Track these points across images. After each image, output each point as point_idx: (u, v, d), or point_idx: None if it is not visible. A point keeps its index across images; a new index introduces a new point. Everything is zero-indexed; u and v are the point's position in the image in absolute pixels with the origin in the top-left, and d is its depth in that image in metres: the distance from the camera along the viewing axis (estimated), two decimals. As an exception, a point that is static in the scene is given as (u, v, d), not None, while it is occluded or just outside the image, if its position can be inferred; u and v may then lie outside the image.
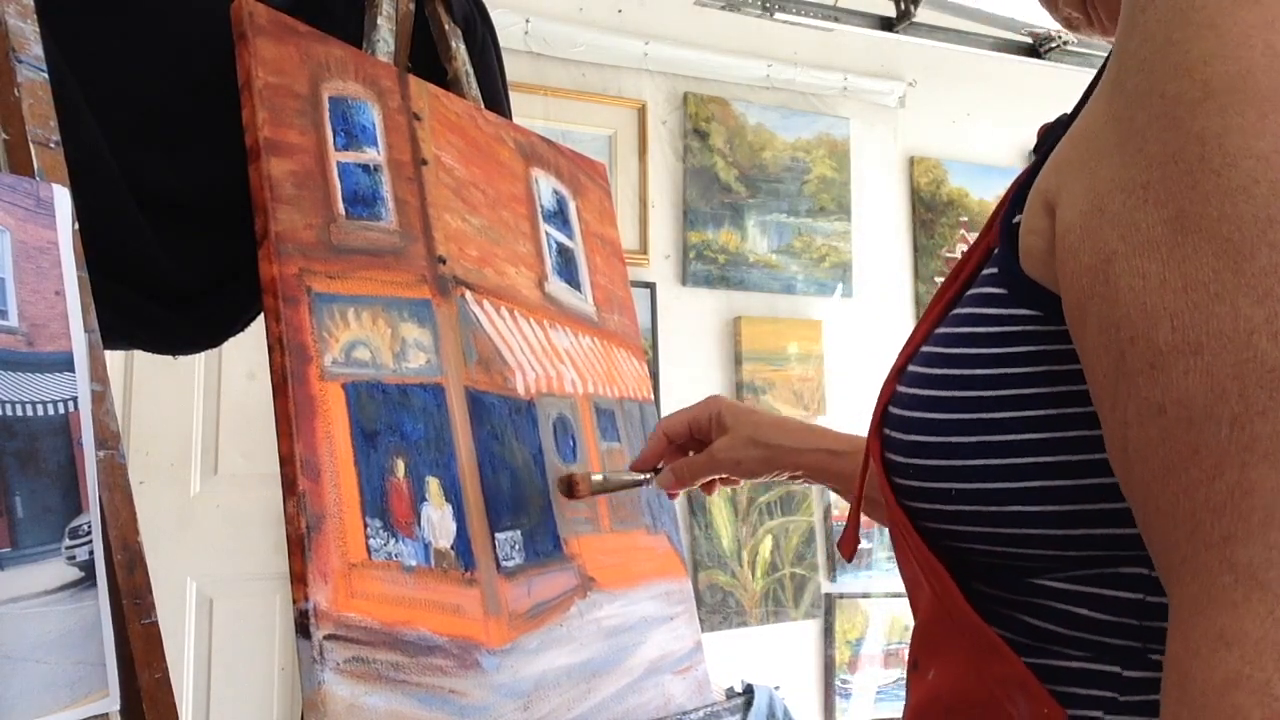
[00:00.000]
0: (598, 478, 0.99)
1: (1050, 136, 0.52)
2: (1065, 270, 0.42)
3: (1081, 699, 0.47)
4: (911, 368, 0.54)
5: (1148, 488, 0.37)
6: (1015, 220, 0.49)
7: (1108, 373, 0.39)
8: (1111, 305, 0.38)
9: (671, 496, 1.04)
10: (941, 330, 0.53)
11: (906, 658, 0.60)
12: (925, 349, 0.53)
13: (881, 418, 0.55)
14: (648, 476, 0.98)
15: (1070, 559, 0.47)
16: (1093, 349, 0.40)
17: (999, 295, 0.49)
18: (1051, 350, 0.45)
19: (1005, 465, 0.47)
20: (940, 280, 3.03)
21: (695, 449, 0.96)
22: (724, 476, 0.96)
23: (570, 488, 0.98)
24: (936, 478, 0.50)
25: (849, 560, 0.70)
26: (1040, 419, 0.46)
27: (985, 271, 0.51)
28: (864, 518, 0.71)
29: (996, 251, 0.50)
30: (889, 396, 0.55)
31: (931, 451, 0.50)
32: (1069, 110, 0.53)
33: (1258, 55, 0.34)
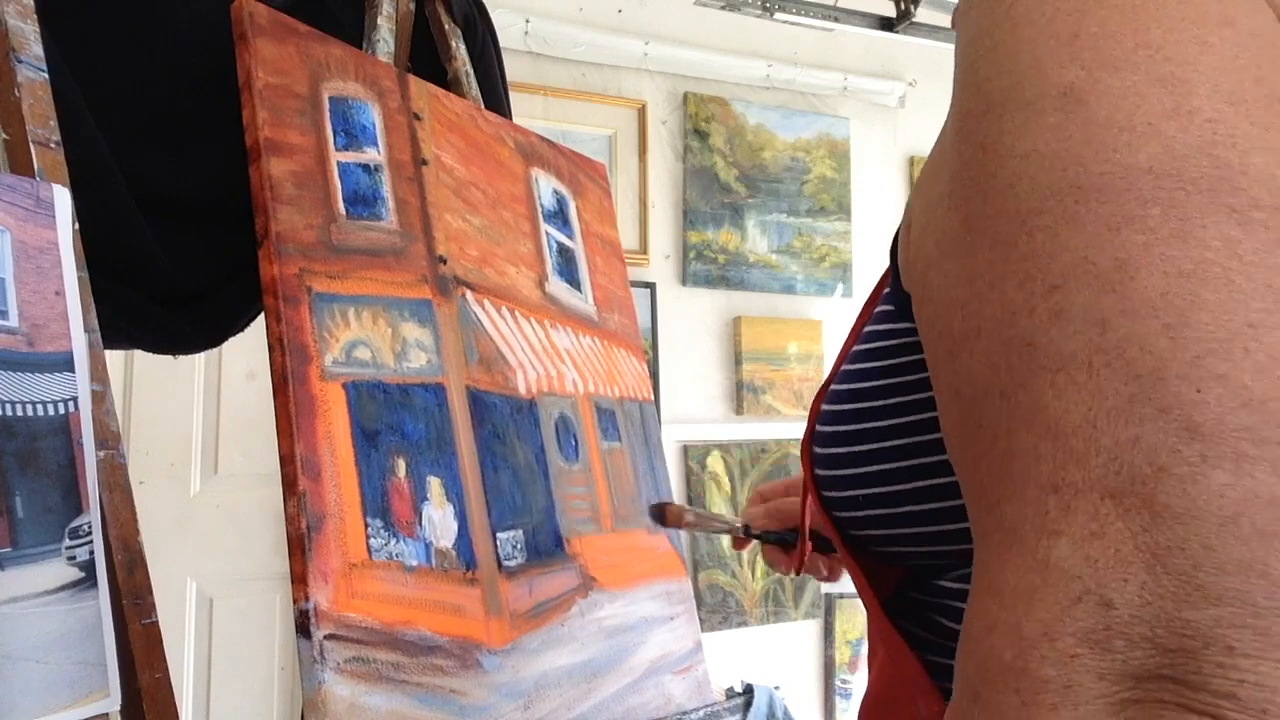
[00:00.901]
0: (689, 516, 1.02)
1: None
2: (908, 280, 0.46)
3: None
4: (834, 387, 0.57)
5: (958, 465, 0.39)
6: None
7: (932, 365, 0.42)
8: (929, 304, 0.42)
9: (738, 546, 0.96)
10: (855, 348, 0.56)
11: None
12: (845, 367, 0.57)
13: (810, 438, 0.59)
14: (738, 525, 0.93)
15: (964, 555, 0.49)
16: (925, 345, 0.43)
17: (889, 312, 0.52)
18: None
19: (896, 468, 0.50)
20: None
21: None
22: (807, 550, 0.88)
23: (661, 516, 1.02)
24: (848, 486, 0.53)
25: (797, 574, 0.74)
26: (921, 422, 0.49)
27: (885, 292, 0.55)
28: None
29: (890, 273, 0.54)
30: (815, 417, 0.59)
31: (842, 461, 0.54)
32: None
33: (1025, 67, 0.38)
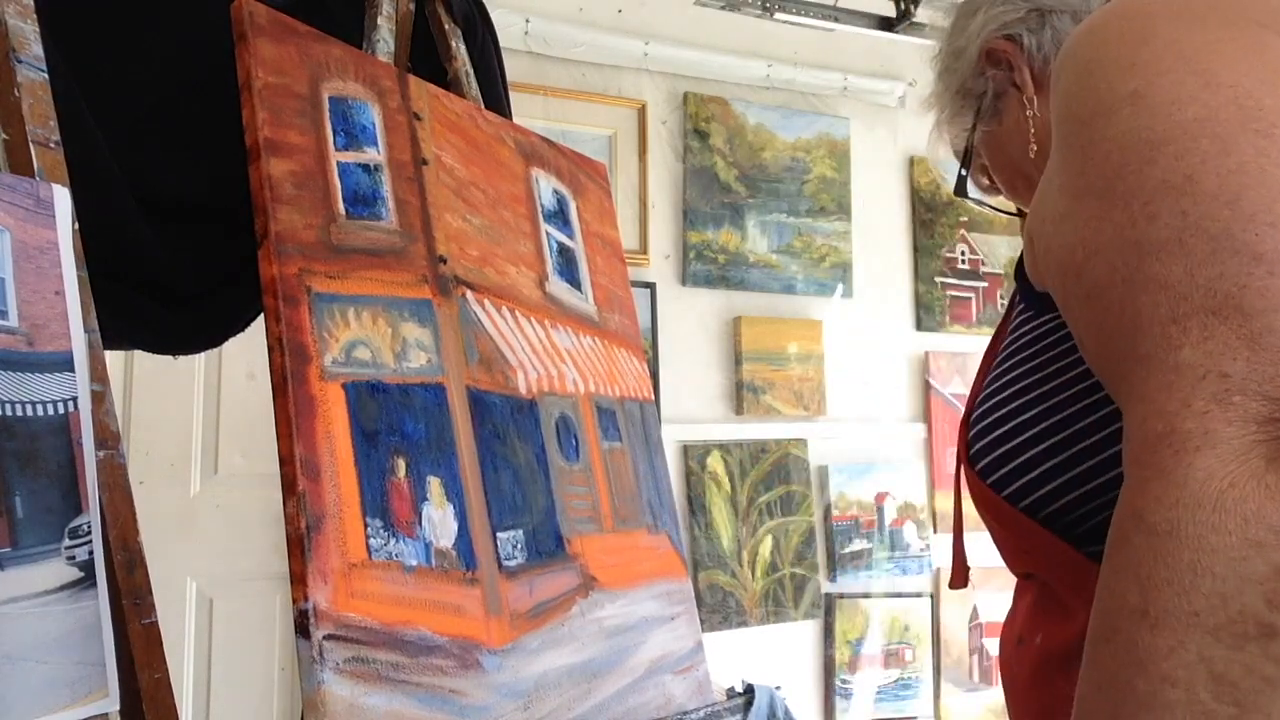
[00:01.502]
0: None
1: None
2: (1045, 272, 0.60)
3: None
4: (978, 410, 0.69)
5: (1098, 356, 0.53)
6: (1019, 263, 0.68)
7: (1065, 306, 0.57)
8: (1055, 263, 0.57)
9: None
10: (995, 372, 0.69)
11: (1001, 640, 0.74)
12: (986, 390, 0.69)
13: (967, 453, 0.69)
14: None
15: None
16: (1057, 297, 0.58)
17: (1029, 317, 0.67)
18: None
19: (1071, 433, 0.61)
20: (940, 280, 3.00)
21: None
22: None
23: None
24: (1029, 468, 0.63)
25: (961, 587, 0.82)
26: (1086, 388, 0.61)
27: (1016, 317, 0.69)
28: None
29: (1018, 295, 0.69)
30: (966, 439, 0.70)
31: (1020, 450, 0.64)
32: None
33: (1101, 89, 0.55)
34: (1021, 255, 0.69)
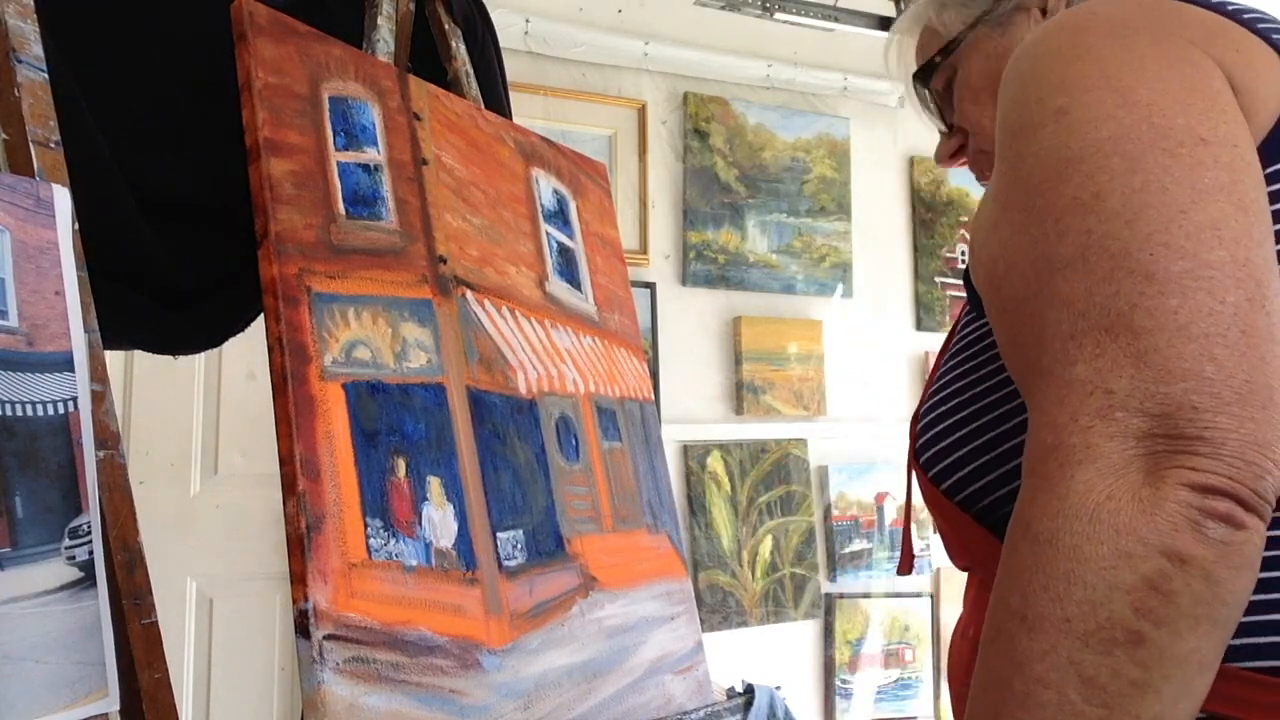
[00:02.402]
0: None
1: None
2: (975, 273, 0.64)
3: None
4: (926, 405, 0.71)
5: (1013, 366, 0.56)
6: (963, 266, 0.72)
7: (988, 313, 0.60)
8: (981, 271, 0.61)
9: None
10: (943, 369, 0.71)
11: (955, 630, 0.74)
12: (934, 387, 0.71)
13: (916, 448, 0.71)
14: None
15: None
16: (984, 305, 0.61)
17: (971, 318, 0.68)
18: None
19: (1006, 429, 0.63)
20: (940, 280, 3.00)
21: None
22: None
23: None
24: (968, 460, 0.65)
25: (908, 574, 0.86)
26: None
27: (962, 319, 0.72)
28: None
29: (966, 297, 0.71)
30: (916, 435, 0.71)
31: (959, 444, 0.66)
32: None
33: (1032, 104, 0.58)
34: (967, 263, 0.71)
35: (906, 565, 0.84)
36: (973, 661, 0.67)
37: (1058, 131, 0.54)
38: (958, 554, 0.72)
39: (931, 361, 2.87)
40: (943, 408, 0.68)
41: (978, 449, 0.64)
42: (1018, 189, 0.56)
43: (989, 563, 0.64)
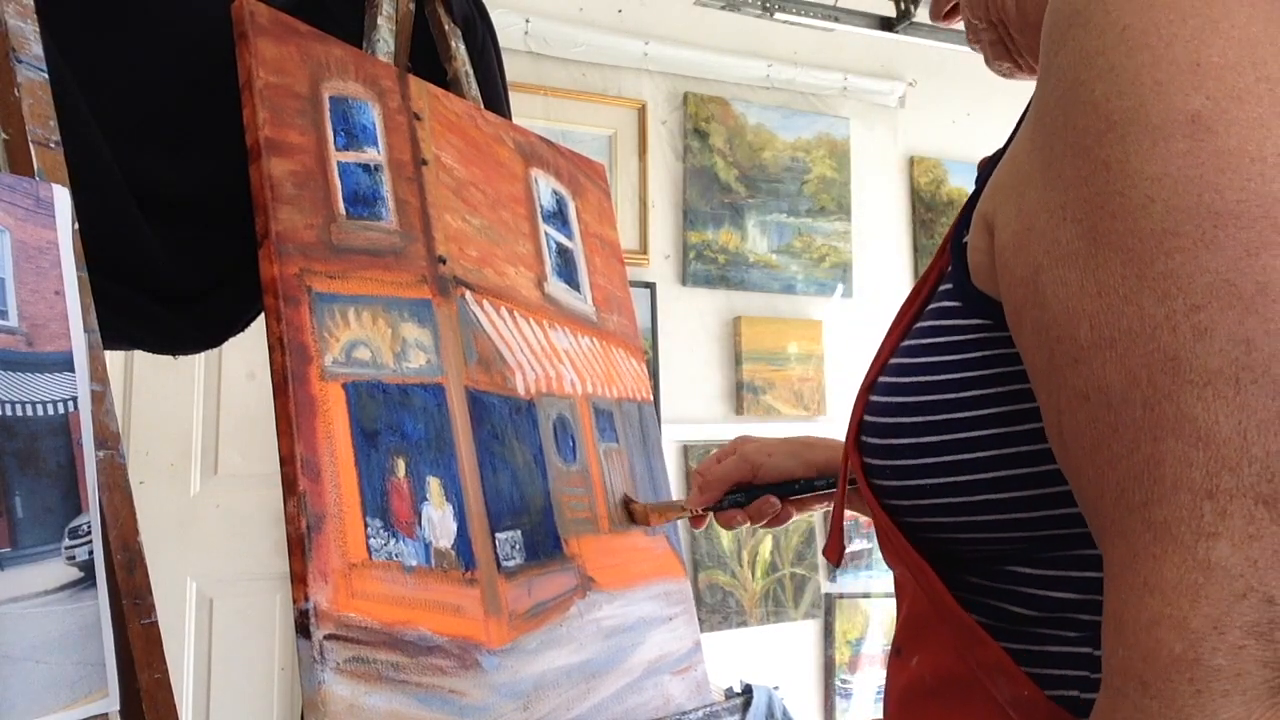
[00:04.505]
0: (654, 517, 1.08)
1: (989, 167, 0.58)
2: (1004, 282, 0.48)
3: (1058, 679, 0.50)
4: (881, 379, 0.59)
5: (1080, 464, 0.42)
6: (964, 240, 0.55)
7: (1042, 368, 0.44)
8: (1041, 310, 0.43)
9: (696, 525, 1.04)
10: (906, 343, 0.59)
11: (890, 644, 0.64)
12: (893, 361, 0.59)
13: (858, 428, 0.60)
14: (687, 509, 1.01)
15: (1037, 542, 0.51)
16: (1029, 348, 0.46)
17: (954, 308, 0.55)
18: (1002, 354, 0.51)
19: (969, 459, 0.52)
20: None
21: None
22: (747, 497, 0.97)
23: (630, 517, 1.09)
24: (911, 475, 0.55)
25: (836, 565, 0.73)
26: (996, 416, 0.51)
27: (941, 288, 0.58)
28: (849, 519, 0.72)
29: (950, 270, 0.56)
30: (863, 408, 0.61)
31: (904, 452, 0.55)
32: (1005, 142, 0.59)
33: (1147, 91, 0.40)
34: (958, 226, 0.57)
35: (835, 552, 0.71)
36: (909, 690, 0.59)
37: (1196, 156, 0.38)
38: (888, 554, 0.62)
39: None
40: (899, 398, 0.56)
41: (933, 467, 0.54)
42: (1118, 218, 0.39)
43: (921, 585, 0.56)
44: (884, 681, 0.65)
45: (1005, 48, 0.65)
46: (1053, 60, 0.44)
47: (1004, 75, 0.68)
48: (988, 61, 0.68)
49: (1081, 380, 0.41)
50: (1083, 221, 0.41)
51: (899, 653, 0.62)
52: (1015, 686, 0.50)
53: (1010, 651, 0.51)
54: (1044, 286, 0.43)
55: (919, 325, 0.58)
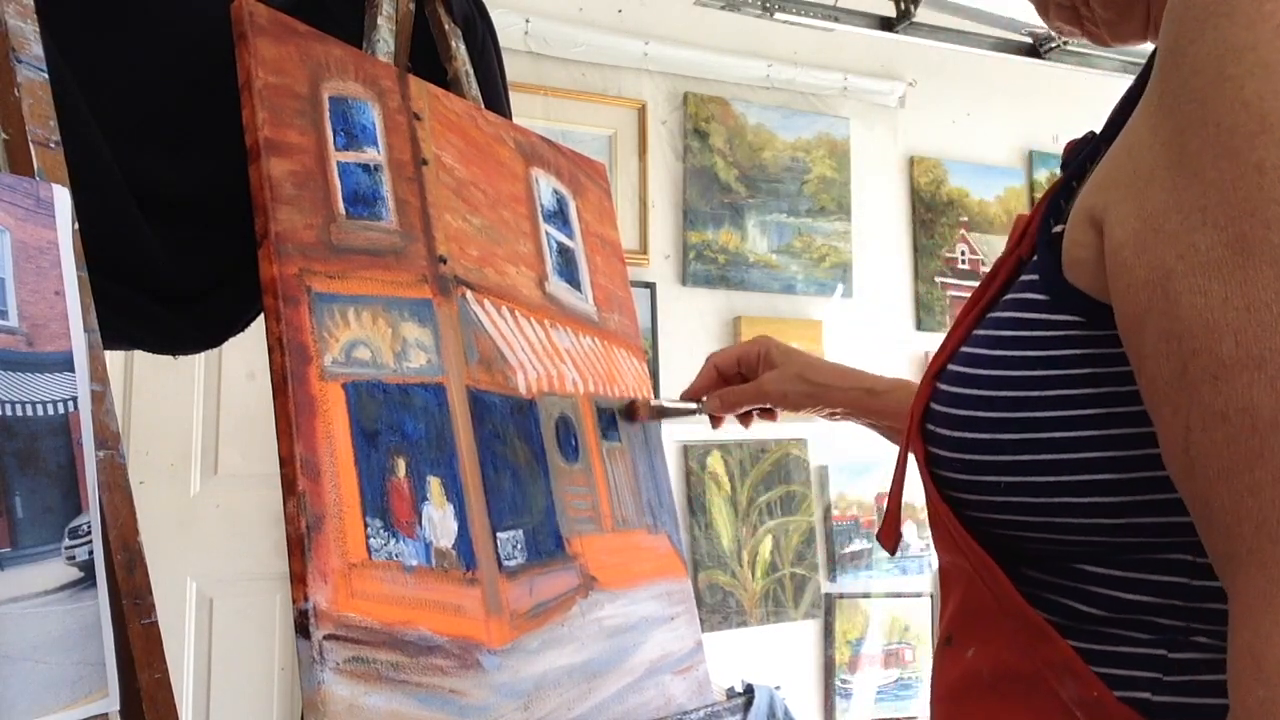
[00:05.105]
0: (655, 403, 1.13)
1: (1078, 154, 0.56)
2: (1119, 284, 0.45)
3: (1128, 680, 0.49)
4: (952, 367, 0.57)
5: (1210, 486, 0.40)
6: (1055, 230, 0.52)
7: (1169, 380, 0.42)
8: (1172, 319, 0.41)
9: (716, 424, 1.10)
10: (981, 333, 0.56)
11: (938, 633, 0.63)
12: (965, 350, 0.57)
13: (923, 414, 0.58)
14: (698, 405, 1.07)
15: (1117, 545, 0.50)
16: (1152, 357, 0.43)
17: (1040, 301, 0.52)
18: (1095, 354, 0.49)
19: (1052, 460, 0.50)
20: (940, 280, 3.00)
21: (741, 383, 1.06)
22: (765, 409, 1.05)
23: (632, 412, 1.12)
24: (982, 471, 0.53)
25: (892, 553, 0.72)
26: (1085, 418, 0.49)
27: (1023, 278, 0.55)
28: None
29: (1035, 259, 0.54)
30: (928, 394, 0.58)
31: (978, 447, 0.53)
32: (1096, 126, 0.56)
33: None
34: (1043, 215, 0.55)
35: (890, 538, 0.69)
36: (964, 682, 0.58)
37: None
38: (942, 545, 0.61)
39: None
40: (974, 390, 0.54)
41: (1008, 466, 0.52)
42: (1275, 234, 0.37)
43: (981, 575, 0.55)
44: (931, 672, 0.65)
45: (1076, 12, 0.61)
46: (1186, 48, 0.41)
47: (1059, 34, 0.63)
48: (1044, 15, 0.64)
49: (1221, 399, 0.39)
50: (1228, 228, 0.39)
51: (949, 642, 0.60)
52: (1084, 687, 0.49)
53: (1076, 650, 0.50)
54: (1177, 294, 0.41)
55: (995, 315, 0.56)
